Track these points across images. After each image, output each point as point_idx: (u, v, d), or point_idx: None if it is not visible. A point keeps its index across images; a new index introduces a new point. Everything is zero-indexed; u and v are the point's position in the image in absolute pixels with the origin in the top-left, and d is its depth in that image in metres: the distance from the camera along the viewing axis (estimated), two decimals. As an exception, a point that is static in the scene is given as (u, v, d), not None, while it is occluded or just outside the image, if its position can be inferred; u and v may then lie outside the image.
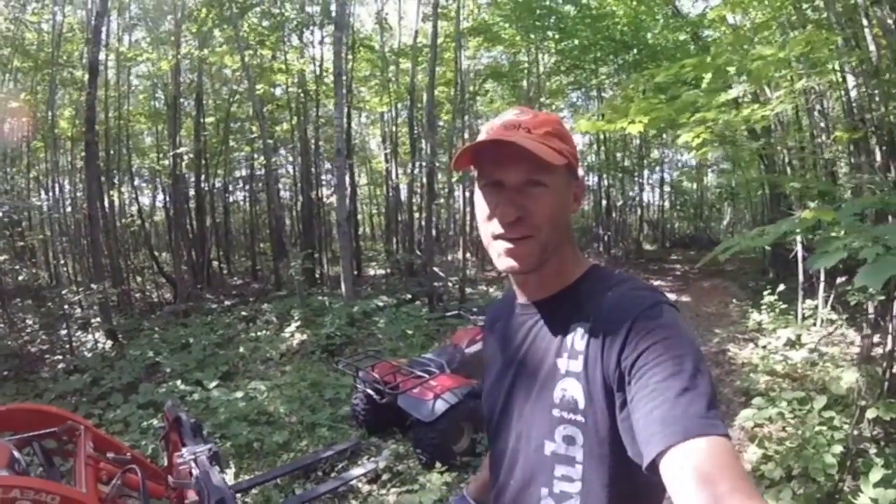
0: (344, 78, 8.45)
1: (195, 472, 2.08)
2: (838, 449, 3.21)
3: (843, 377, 4.26)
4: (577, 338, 0.87)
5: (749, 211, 20.54)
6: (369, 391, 4.21)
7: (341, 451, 4.20)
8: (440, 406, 3.90)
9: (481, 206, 0.92)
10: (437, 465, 3.78)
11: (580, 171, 0.95)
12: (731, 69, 3.84)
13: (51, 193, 10.86)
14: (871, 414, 3.44)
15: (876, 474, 2.85)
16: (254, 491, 3.72)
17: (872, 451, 3.42)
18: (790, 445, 3.60)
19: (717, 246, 2.70)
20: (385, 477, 3.89)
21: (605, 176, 18.09)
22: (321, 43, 12.84)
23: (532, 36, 13.16)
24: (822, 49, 4.47)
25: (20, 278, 7.96)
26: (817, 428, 3.56)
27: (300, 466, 3.97)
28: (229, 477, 3.91)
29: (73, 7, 10.31)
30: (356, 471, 3.91)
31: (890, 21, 4.61)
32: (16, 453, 1.87)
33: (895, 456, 3.09)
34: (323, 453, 4.15)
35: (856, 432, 3.40)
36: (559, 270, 0.95)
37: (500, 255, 0.90)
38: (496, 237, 0.90)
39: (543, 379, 0.90)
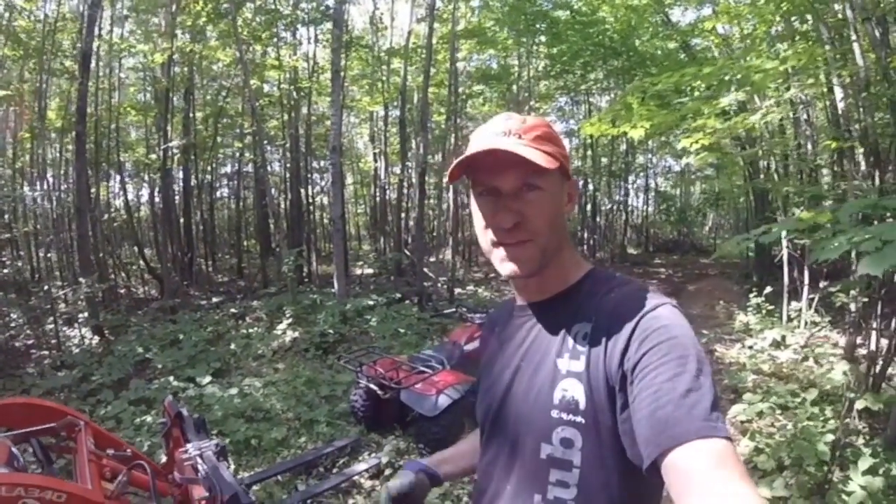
0: (342, 75, 8.45)
1: (202, 468, 1.97)
2: (830, 438, 3.34)
3: (833, 371, 4.46)
4: (579, 338, 0.87)
5: (733, 216, 20.93)
6: (372, 386, 4.21)
7: (342, 447, 4.18)
8: (443, 401, 3.94)
9: (479, 215, 0.93)
10: (440, 459, 3.80)
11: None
12: (734, 79, 3.93)
13: (37, 185, 10.64)
14: (860, 405, 3.61)
15: (864, 463, 2.99)
16: (255, 487, 3.69)
17: (860, 441, 3.59)
18: (779, 439, 3.73)
19: (724, 244, 2.80)
20: (387, 472, 3.89)
21: (591, 180, 18.30)
22: (316, 41, 12.80)
23: (524, 40, 13.28)
24: (814, 62, 4.62)
25: (5, 271, 7.77)
26: (807, 421, 3.71)
27: (301, 463, 3.94)
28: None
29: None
30: (358, 466, 3.89)
31: (877, 35, 4.77)
32: (14, 450, 1.77)
33: (881, 446, 3.25)
34: (324, 450, 4.12)
35: (846, 422, 3.53)
36: (559, 273, 0.95)
37: (502, 261, 0.90)
38: (496, 244, 0.90)
39: (543, 380, 0.89)
